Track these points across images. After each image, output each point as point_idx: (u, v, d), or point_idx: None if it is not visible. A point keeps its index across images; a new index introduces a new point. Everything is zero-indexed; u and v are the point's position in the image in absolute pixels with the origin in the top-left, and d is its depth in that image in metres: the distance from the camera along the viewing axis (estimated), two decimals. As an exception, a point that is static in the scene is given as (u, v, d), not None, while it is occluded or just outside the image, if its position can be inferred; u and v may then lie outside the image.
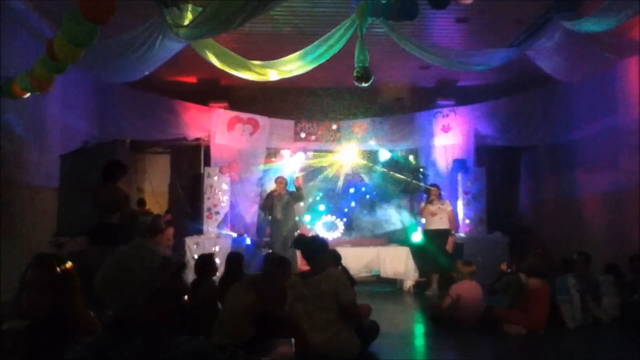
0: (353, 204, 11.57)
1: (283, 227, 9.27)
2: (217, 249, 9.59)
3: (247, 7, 5.54)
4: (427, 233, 9.44)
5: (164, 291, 1.92)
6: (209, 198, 10.38)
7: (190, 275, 6.29)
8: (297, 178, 9.94)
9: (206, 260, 5.75)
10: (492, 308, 6.39)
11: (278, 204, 9.32)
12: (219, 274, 6.22)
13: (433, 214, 9.28)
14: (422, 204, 9.68)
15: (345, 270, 6.95)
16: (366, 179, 11.57)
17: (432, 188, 9.60)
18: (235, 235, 10.25)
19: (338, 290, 4.46)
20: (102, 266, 1.92)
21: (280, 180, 9.59)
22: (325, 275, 4.56)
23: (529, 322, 6.05)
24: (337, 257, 6.69)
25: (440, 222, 9.26)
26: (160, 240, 9.75)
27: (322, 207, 11.33)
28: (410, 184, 11.12)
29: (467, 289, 6.52)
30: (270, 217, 9.52)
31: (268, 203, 9.50)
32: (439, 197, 9.50)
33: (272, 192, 9.64)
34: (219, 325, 4.64)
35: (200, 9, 5.99)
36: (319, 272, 4.59)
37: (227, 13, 5.59)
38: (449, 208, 9.42)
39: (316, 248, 4.78)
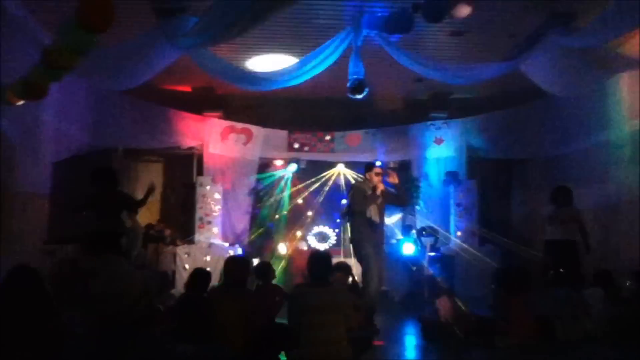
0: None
1: (378, 233, 6.99)
2: (208, 258, 9.56)
3: (243, 18, 5.58)
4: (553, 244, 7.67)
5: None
6: (201, 207, 10.36)
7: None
8: (391, 174, 7.22)
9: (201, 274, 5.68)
10: (484, 320, 6.40)
11: (373, 202, 6.89)
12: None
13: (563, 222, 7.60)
14: (552, 208, 7.71)
15: (355, 283, 6.94)
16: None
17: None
18: (227, 244, 10.22)
19: (346, 307, 4.44)
20: (101, 277, 1.92)
21: (379, 172, 7.02)
22: (334, 289, 4.54)
23: (517, 334, 6.05)
24: (348, 269, 6.67)
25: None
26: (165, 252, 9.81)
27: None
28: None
29: (449, 303, 6.56)
30: (354, 219, 7.00)
31: (362, 201, 6.86)
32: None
33: (363, 185, 7.13)
34: (206, 337, 4.60)
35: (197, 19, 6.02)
36: (326, 284, 4.56)
37: (224, 23, 5.62)
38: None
39: (329, 263, 4.77)
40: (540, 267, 7.99)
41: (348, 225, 7.11)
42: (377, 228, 6.90)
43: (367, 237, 6.80)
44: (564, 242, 7.45)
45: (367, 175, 7.00)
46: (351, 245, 7.02)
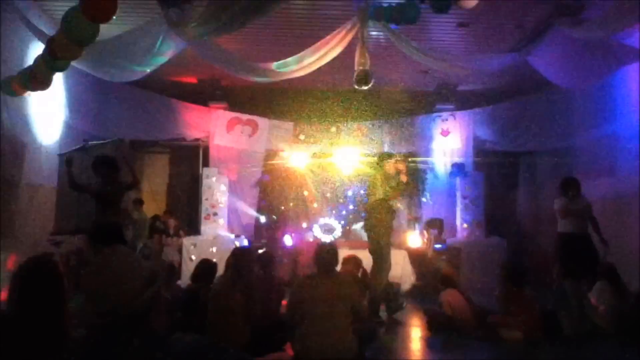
0: (351, 206, 11.57)
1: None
2: (214, 250, 9.57)
3: (248, 9, 5.56)
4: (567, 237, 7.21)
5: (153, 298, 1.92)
6: (207, 199, 10.37)
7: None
8: (400, 162, 7.38)
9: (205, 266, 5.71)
10: (489, 313, 6.40)
11: (397, 191, 7.28)
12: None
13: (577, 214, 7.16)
14: (564, 200, 7.20)
15: (365, 275, 6.95)
16: (364, 182, 11.56)
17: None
18: (233, 236, 10.23)
19: (354, 298, 4.44)
20: (93, 269, 1.91)
21: (396, 161, 7.33)
22: (339, 280, 4.54)
23: (522, 328, 6.03)
24: (358, 263, 6.71)
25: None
26: (170, 243, 9.85)
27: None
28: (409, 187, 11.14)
29: (454, 296, 6.55)
30: (379, 208, 7.09)
31: (391, 191, 7.11)
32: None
33: (388, 174, 7.26)
34: (210, 328, 4.61)
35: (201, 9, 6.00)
36: (330, 275, 4.56)
37: (229, 14, 5.60)
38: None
39: (335, 256, 4.77)
40: (550, 260, 7.93)
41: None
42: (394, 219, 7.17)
43: (390, 228, 7.12)
44: (579, 235, 7.12)
45: (387, 165, 7.18)
46: (370, 234, 7.15)
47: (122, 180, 6.75)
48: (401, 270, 9.51)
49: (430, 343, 6.22)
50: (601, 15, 6.17)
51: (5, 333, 2.39)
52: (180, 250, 9.75)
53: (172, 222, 10.20)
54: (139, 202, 10.31)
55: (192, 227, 10.56)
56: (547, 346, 5.91)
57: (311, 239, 10.73)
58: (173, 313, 5.02)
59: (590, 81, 7.93)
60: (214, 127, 10.87)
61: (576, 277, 6.58)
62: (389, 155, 7.51)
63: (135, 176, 6.89)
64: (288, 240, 10.39)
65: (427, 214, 10.99)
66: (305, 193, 11.29)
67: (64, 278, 2.68)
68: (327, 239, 10.80)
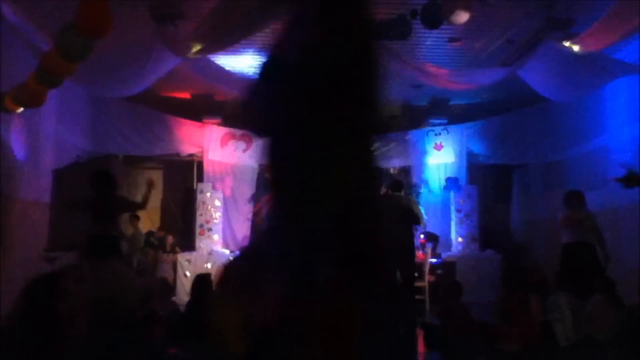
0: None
1: None
2: (209, 266, 9.52)
3: (241, 26, 5.59)
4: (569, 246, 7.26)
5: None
6: (201, 214, 10.34)
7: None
8: None
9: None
10: (486, 326, 6.37)
11: None
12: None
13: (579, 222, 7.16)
14: (566, 211, 7.28)
15: None
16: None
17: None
18: (227, 251, 10.19)
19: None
20: (93, 284, 1.92)
21: None
22: None
23: (520, 339, 6.01)
24: None
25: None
26: (166, 260, 9.79)
27: None
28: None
29: (452, 309, 6.54)
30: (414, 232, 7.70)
31: None
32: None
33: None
34: (210, 340, 4.59)
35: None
36: None
37: (222, 30, 5.63)
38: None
39: None
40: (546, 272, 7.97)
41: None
42: None
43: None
44: (580, 244, 7.10)
45: (403, 193, 7.53)
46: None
47: (118, 195, 6.73)
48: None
49: (427, 357, 6.19)
50: (591, 29, 6.24)
51: (5, 346, 2.39)
52: (174, 267, 9.71)
53: (169, 238, 10.16)
54: (135, 218, 10.27)
55: (187, 242, 10.52)
56: (544, 357, 5.89)
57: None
58: (171, 329, 4.99)
59: (581, 94, 7.99)
60: (208, 142, 10.89)
61: (574, 287, 6.58)
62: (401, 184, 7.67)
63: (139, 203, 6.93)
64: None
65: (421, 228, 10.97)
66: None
67: (70, 296, 2.67)
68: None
